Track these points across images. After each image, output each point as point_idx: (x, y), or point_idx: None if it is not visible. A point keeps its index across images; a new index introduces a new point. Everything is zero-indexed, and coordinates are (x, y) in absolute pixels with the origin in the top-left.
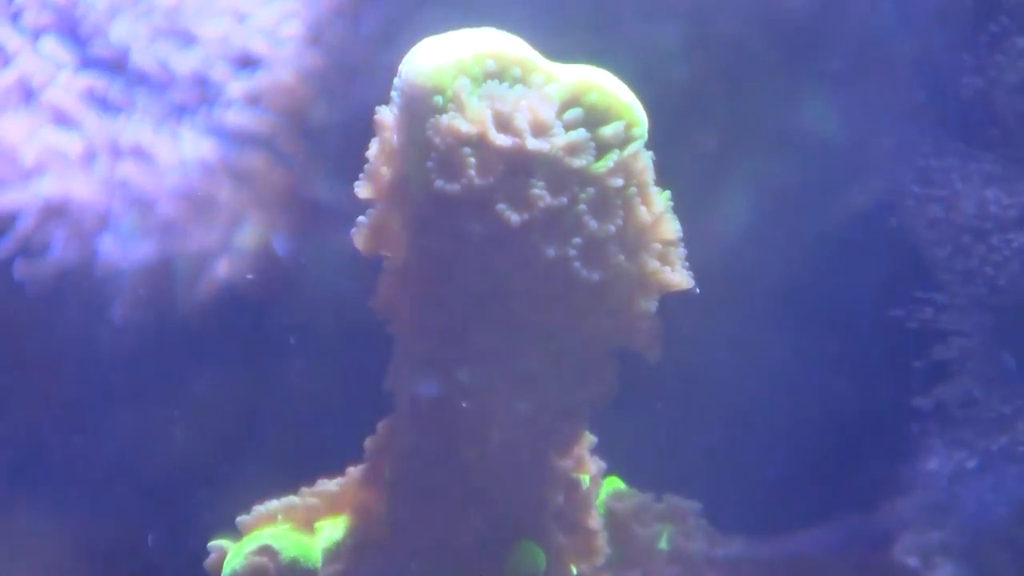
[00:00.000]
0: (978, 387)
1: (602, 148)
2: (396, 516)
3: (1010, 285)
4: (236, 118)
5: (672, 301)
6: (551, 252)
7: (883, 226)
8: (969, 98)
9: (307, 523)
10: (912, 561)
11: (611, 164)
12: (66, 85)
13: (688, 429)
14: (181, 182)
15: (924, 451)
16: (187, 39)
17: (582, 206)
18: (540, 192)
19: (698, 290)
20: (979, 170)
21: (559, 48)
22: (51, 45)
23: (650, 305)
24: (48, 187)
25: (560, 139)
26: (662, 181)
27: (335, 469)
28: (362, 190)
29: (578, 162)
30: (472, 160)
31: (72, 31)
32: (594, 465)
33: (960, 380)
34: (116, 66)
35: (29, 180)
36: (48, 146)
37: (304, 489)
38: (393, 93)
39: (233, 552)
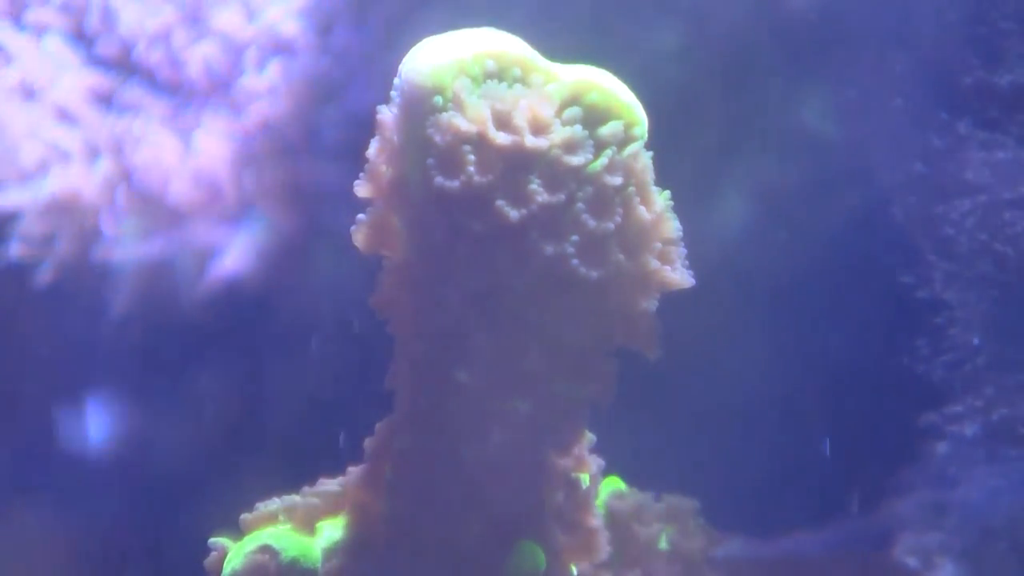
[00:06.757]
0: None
1: (601, 147)
2: (396, 516)
3: (1019, 262)
4: (239, 116)
5: (672, 300)
6: (549, 249)
7: (884, 223)
8: (972, 80)
9: (308, 523)
10: (912, 561)
11: (606, 161)
12: (71, 79)
13: (687, 428)
14: (185, 178)
15: (927, 442)
16: (194, 33)
17: (580, 204)
18: (537, 188)
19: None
20: (985, 150)
21: (559, 48)
22: (56, 39)
23: (650, 304)
24: (51, 184)
25: (557, 136)
26: (662, 181)
27: (336, 469)
28: (362, 189)
29: (575, 160)
30: (472, 158)
31: (78, 23)
32: (594, 464)
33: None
34: (122, 60)
35: (32, 177)
36: (51, 142)
37: (305, 488)
38: (393, 93)
39: (234, 551)
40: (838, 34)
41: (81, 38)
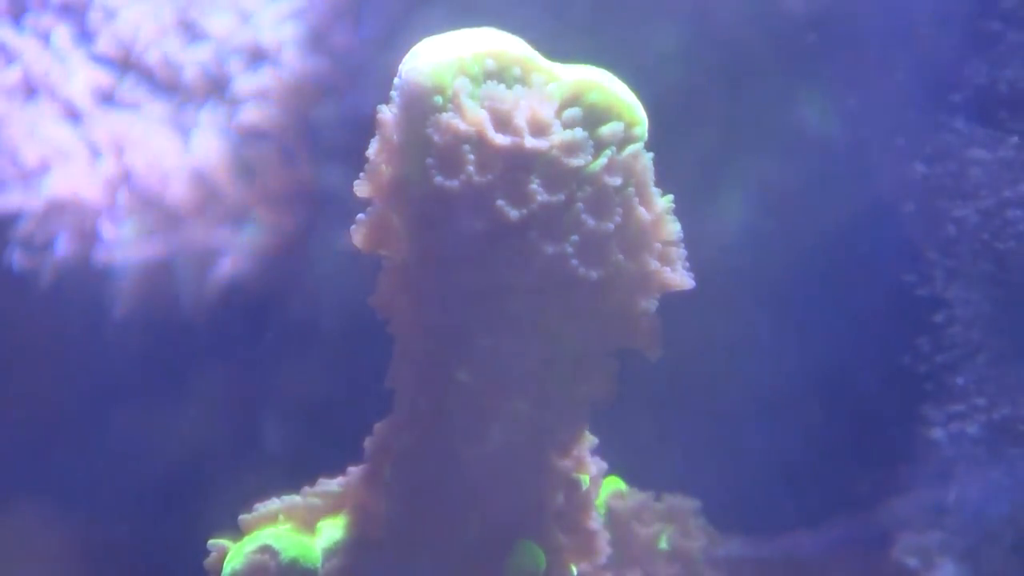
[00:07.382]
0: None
1: (602, 147)
2: (395, 516)
3: (1021, 260)
4: (239, 116)
5: (672, 301)
6: (549, 249)
7: (885, 222)
8: (974, 79)
9: (308, 523)
10: (912, 561)
11: (606, 161)
12: (72, 81)
13: (688, 428)
14: (185, 179)
15: (928, 442)
16: (193, 35)
17: (580, 204)
18: (537, 188)
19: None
20: (987, 149)
21: (559, 48)
22: (58, 40)
23: (650, 304)
24: (52, 185)
25: (557, 137)
26: (662, 181)
27: (336, 468)
28: (362, 189)
29: (575, 161)
30: (471, 157)
31: (79, 26)
32: (594, 465)
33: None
34: (122, 61)
35: (33, 178)
36: (52, 143)
37: (306, 488)
38: (393, 93)
39: (234, 551)
40: (839, 33)
41: (79, 38)
